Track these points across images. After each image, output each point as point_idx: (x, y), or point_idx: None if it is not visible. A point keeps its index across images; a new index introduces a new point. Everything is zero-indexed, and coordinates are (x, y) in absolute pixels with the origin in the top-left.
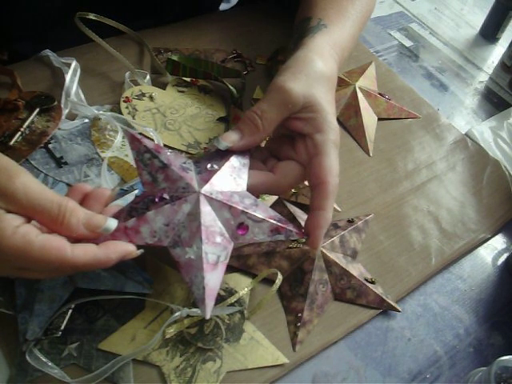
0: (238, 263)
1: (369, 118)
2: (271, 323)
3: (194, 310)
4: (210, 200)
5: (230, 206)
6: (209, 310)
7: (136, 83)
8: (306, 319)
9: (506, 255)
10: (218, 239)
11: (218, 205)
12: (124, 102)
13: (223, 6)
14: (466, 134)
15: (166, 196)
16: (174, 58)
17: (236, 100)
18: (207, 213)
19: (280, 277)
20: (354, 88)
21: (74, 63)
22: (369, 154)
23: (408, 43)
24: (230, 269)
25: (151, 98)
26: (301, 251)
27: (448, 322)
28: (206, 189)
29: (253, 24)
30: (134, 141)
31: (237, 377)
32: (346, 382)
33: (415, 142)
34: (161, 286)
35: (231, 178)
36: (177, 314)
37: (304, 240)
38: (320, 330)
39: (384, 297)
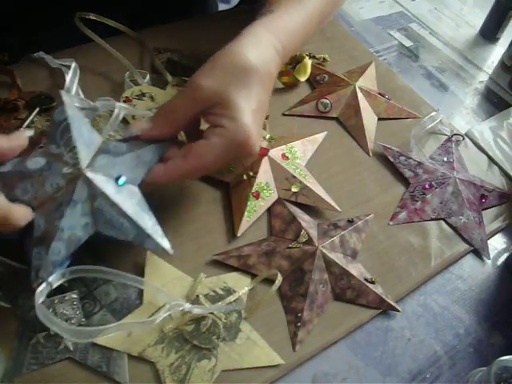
0: (238, 263)
1: (369, 118)
2: (271, 323)
3: (196, 307)
4: (462, 181)
5: (474, 184)
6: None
7: (136, 83)
8: (305, 319)
9: (506, 255)
10: (474, 207)
11: (466, 184)
12: (124, 102)
13: (223, 7)
14: (466, 134)
15: (433, 183)
16: (174, 57)
17: None
18: (464, 190)
19: (280, 278)
20: (354, 88)
21: (74, 64)
22: (369, 154)
23: (408, 43)
24: (229, 268)
25: (151, 98)
26: (301, 251)
27: (448, 322)
28: (459, 175)
29: None
30: (387, 149)
31: (237, 376)
32: (345, 382)
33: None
34: (159, 283)
35: None
36: (181, 308)
37: (304, 240)
38: (320, 330)
39: (384, 297)
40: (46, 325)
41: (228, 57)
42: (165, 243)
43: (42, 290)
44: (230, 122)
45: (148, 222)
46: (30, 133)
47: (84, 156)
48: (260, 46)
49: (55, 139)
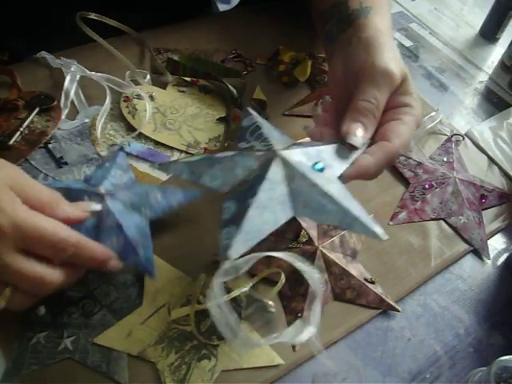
0: None
1: None
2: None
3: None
4: (462, 181)
5: (474, 184)
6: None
7: (136, 83)
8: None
9: (506, 255)
10: (474, 207)
11: (466, 184)
12: (124, 101)
13: (223, 7)
14: (466, 134)
15: (433, 183)
16: (175, 57)
17: (236, 100)
18: (464, 190)
19: (283, 277)
20: None
21: (74, 64)
22: None
23: (408, 43)
24: None
25: (151, 97)
26: (301, 251)
27: (448, 321)
28: (459, 175)
29: (253, 24)
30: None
31: (237, 376)
32: (345, 382)
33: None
34: (159, 283)
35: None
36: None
37: (304, 240)
38: (320, 330)
39: (384, 297)
40: (211, 308)
41: (387, 43)
42: (376, 227)
43: (227, 267)
44: (415, 101)
45: (353, 204)
46: (98, 207)
47: (277, 144)
48: (389, 38)
49: (244, 138)
